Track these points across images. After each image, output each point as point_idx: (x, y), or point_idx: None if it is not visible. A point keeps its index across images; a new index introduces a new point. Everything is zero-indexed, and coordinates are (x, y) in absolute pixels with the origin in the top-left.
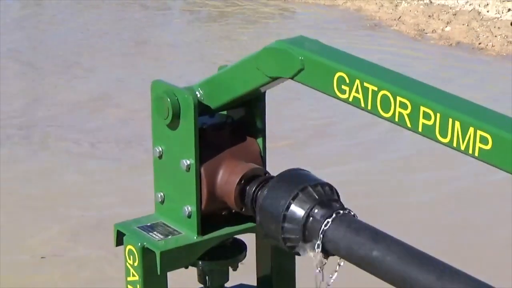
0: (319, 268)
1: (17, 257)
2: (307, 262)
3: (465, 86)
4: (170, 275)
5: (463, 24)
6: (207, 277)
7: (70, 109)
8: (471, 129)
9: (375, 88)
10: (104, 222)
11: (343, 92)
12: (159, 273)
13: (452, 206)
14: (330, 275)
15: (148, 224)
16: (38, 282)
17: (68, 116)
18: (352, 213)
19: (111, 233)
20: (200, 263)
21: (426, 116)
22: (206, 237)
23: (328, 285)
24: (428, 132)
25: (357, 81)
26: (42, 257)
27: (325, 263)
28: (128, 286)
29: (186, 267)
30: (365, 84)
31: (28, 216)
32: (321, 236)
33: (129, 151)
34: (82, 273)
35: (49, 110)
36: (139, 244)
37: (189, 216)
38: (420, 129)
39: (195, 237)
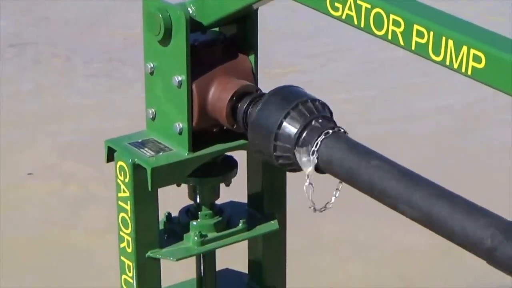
0: (309, 184)
1: (3, 172)
2: (299, 179)
3: (458, 3)
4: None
5: None
6: (197, 194)
7: (62, 27)
8: (465, 48)
9: (368, 6)
10: (94, 139)
11: (336, 9)
12: (150, 189)
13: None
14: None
15: (139, 140)
16: (22, 198)
17: (60, 34)
18: (345, 131)
19: (101, 151)
20: (190, 180)
21: (419, 34)
22: (197, 153)
23: (324, 209)
24: (421, 50)
25: None
26: (29, 173)
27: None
28: (119, 202)
29: (179, 185)
30: (358, 2)
31: (18, 132)
32: (314, 152)
33: (122, 68)
34: (67, 190)
35: (41, 27)
36: (130, 160)
37: (180, 133)
38: (413, 47)
39: (186, 154)
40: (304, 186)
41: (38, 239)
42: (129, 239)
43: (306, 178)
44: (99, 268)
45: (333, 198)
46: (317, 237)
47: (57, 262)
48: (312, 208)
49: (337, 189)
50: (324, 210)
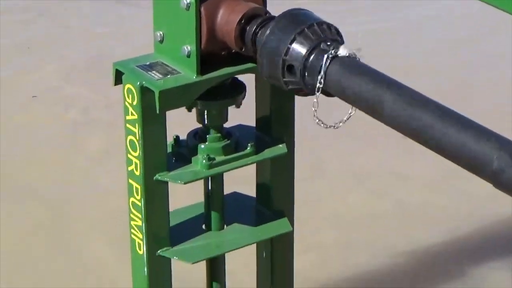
0: (316, 109)
1: (7, 95)
2: (307, 103)
3: None
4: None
5: None
6: (206, 117)
7: None
8: None
9: None
10: (100, 62)
11: None
12: (157, 112)
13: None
14: (339, 122)
15: (147, 63)
16: (25, 121)
17: None
18: (354, 55)
19: (107, 74)
20: (199, 103)
21: None
22: (205, 77)
23: (336, 126)
24: None
25: None
26: (33, 96)
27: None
28: (127, 124)
29: (189, 110)
30: None
31: (23, 56)
32: (322, 75)
33: None
34: (68, 114)
35: None
36: (138, 83)
37: (189, 56)
38: None
39: (194, 77)
40: (313, 108)
41: (38, 163)
42: (137, 162)
43: (314, 101)
44: (100, 192)
45: (346, 117)
46: (317, 166)
47: (57, 186)
48: (322, 124)
49: (349, 113)
50: (336, 127)
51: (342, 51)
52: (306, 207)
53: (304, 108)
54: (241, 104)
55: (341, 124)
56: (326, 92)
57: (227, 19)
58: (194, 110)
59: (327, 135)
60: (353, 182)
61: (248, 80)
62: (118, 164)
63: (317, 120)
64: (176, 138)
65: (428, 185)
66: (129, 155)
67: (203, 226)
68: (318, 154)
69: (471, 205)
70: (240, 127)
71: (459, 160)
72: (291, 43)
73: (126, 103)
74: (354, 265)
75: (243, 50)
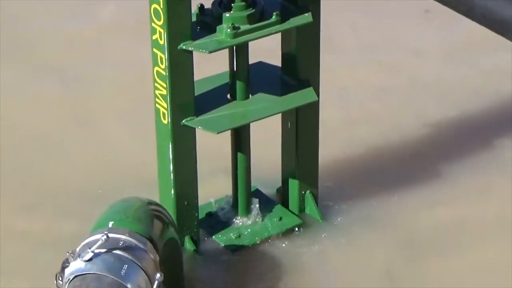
0: None
1: None
2: None
3: None
4: None
5: None
6: None
7: None
8: None
9: None
10: None
11: None
12: None
13: None
14: None
15: None
16: None
17: None
18: None
19: None
20: None
21: None
22: None
23: None
24: None
25: None
26: None
27: None
28: None
29: None
30: None
31: None
32: None
33: None
34: None
35: None
36: None
37: None
38: None
39: None
40: None
41: (50, 35)
42: (161, 30)
43: None
44: (111, 62)
45: None
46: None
47: (68, 55)
48: None
49: None
50: None
51: None
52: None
53: None
54: None
55: None
56: None
57: None
58: None
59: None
60: (363, 55)
61: None
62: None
63: None
64: (201, 7)
65: (439, 60)
66: (153, 24)
67: (228, 96)
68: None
69: (477, 81)
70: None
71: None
72: None
73: None
74: (359, 140)
75: None
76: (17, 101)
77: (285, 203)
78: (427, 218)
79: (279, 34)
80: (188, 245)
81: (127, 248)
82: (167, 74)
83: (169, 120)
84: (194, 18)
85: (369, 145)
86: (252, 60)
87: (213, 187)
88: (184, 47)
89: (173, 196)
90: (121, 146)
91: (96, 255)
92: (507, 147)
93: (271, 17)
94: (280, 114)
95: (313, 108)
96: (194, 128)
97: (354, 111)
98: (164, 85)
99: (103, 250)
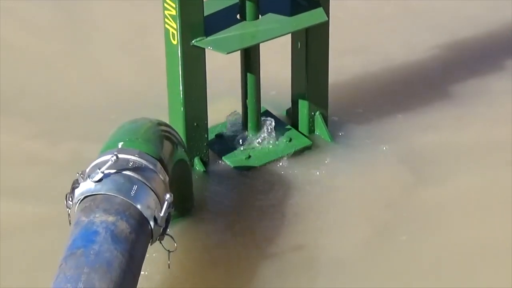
0: None
1: None
2: None
3: None
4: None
5: None
6: None
7: None
8: None
9: None
10: None
11: None
12: None
13: None
14: None
15: None
16: None
17: None
18: None
19: None
20: None
21: None
22: None
23: None
24: None
25: None
26: None
27: None
28: None
29: None
30: None
31: None
32: None
33: None
34: None
35: None
36: None
37: None
38: None
39: None
40: None
41: None
42: None
43: None
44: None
45: None
46: None
47: None
48: None
49: None
50: None
51: None
52: None
53: None
54: None
55: None
56: None
57: None
58: None
59: None
60: None
61: None
62: None
63: None
64: None
65: None
66: None
67: (238, 16)
68: None
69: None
70: None
71: None
72: None
73: None
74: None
75: None
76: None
77: (294, 124)
78: (420, 139)
79: None
80: (198, 166)
81: (136, 168)
82: (177, 9)
83: (179, 41)
84: None
85: (356, 74)
86: None
87: (223, 108)
88: None
89: (182, 117)
90: (127, 72)
91: (105, 175)
92: (492, 78)
93: None
94: (290, 35)
95: (323, 28)
96: (204, 49)
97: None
98: (174, 5)
99: (112, 171)
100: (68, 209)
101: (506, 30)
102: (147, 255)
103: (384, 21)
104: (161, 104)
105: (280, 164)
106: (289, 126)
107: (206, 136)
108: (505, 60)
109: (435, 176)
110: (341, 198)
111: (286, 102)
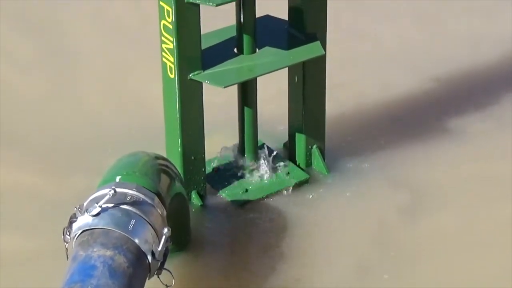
0: None
1: None
2: None
3: None
4: None
5: None
6: None
7: None
8: None
9: None
10: None
11: None
12: None
13: None
14: None
15: None
16: None
17: None
18: None
19: None
20: None
21: None
22: None
23: None
24: None
25: None
26: None
27: None
28: None
29: None
30: None
31: None
32: None
33: None
34: None
35: None
36: None
37: None
38: None
39: None
40: None
41: None
42: None
43: None
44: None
45: None
46: None
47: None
48: None
49: None
50: None
51: None
52: None
53: None
54: None
55: None
56: None
57: None
58: None
59: None
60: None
61: None
62: None
63: None
64: None
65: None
66: None
67: (235, 50)
68: None
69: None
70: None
71: None
72: None
73: None
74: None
75: None
76: None
77: (292, 158)
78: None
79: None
80: (195, 199)
81: (134, 202)
82: (174, 27)
83: (176, 74)
84: None
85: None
86: (259, 14)
87: (220, 141)
88: (191, 0)
89: (180, 151)
90: (131, 99)
91: (103, 209)
92: (471, 118)
93: None
94: (287, 68)
95: (320, 62)
96: (201, 83)
97: None
98: (171, 39)
99: (110, 205)
100: (65, 243)
101: (483, 70)
102: None
103: (360, 61)
104: (159, 137)
105: (277, 197)
106: (286, 160)
107: (203, 169)
108: (482, 100)
109: (426, 211)
110: (333, 233)
111: (284, 135)
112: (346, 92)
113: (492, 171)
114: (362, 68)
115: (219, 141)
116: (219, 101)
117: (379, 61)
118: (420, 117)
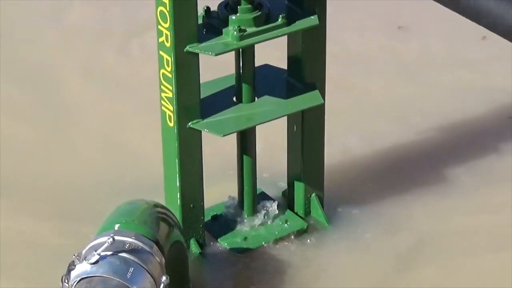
0: None
1: None
2: None
3: None
4: None
5: None
6: None
7: None
8: None
9: None
10: None
11: None
12: None
13: None
14: None
15: None
16: None
17: None
18: None
19: None
20: None
21: None
22: None
23: None
24: None
25: None
26: None
27: None
28: None
29: None
30: None
31: None
32: None
33: None
34: None
35: None
36: None
37: None
38: None
39: None
40: None
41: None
42: (168, 33)
43: None
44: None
45: None
46: None
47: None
48: None
49: None
50: None
51: None
52: None
53: None
54: None
55: None
56: None
57: None
58: None
59: None
60: None
61: None
62: None
63: None
64: (207, 9)
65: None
66: (159, 27)
67: (234, 99)
68: None
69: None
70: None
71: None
72: None
73: None
74: None
75: None
76: None
77: (291, 206)
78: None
79: (285, 38)
80: (194, 248)
81: (133, 250)
82: (173, 76)
83: (175, 123)
84: (200, 21)
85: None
86: (258, 63)
87: (219, 190)
88: (190, 50)
89: (179, 199)
90: (124, 149)
91: (102, 257)
92: (458, 170)
93: (277, 19)
94: (285, 117)
95: (319, 111)
96: (200, 131)
97: None
98: (170, 88)
99: (109, 253)
100: None
101: (468, 124)
102: None
103: (345, 113)
104: (157, 186)
105: (276, 246)
106: (285, 208)
107: (202, 217)
108: (470, 153)
109: (417, 262)
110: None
111: (283, 183)
112: (331, 146)
113: (485, 223)
114: (346, 119)
115: (218, 188)
116: (219, 148)
117: (366, 113)
118: (417, 167)
